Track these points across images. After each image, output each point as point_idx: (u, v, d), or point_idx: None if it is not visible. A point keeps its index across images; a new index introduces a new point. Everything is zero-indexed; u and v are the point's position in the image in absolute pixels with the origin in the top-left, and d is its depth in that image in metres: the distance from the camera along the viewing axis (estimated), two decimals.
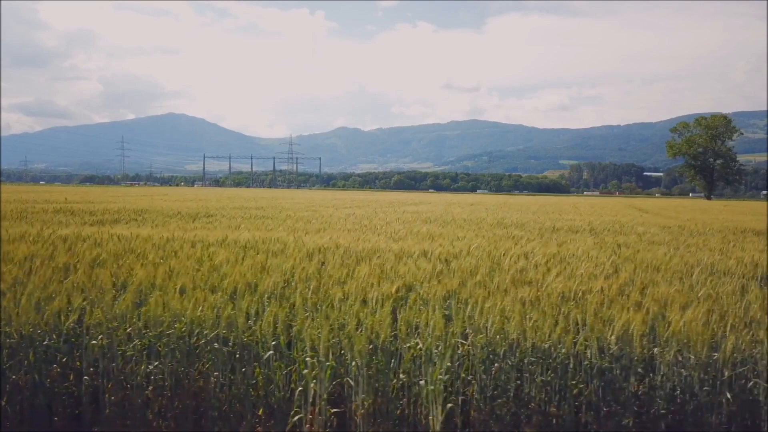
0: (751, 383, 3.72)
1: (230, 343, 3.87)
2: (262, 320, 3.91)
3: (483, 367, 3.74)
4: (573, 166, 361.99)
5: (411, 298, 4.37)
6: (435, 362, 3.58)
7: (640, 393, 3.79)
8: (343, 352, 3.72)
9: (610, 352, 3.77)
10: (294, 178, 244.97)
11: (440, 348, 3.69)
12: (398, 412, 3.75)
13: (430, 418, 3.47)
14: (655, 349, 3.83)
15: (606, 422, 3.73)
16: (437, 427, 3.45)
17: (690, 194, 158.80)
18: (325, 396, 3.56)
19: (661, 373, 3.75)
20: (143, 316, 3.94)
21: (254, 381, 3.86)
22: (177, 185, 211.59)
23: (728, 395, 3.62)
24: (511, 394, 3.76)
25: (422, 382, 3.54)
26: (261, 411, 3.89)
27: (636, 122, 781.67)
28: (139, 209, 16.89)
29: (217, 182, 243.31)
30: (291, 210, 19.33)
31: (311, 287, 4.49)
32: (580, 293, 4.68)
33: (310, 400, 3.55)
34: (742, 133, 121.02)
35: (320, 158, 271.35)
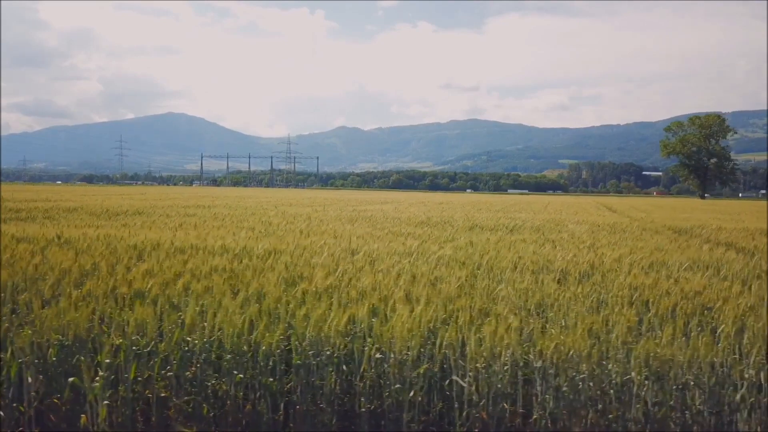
0: (447, 381, 3.66)
1: None
2: None
3: (178, 364, 3.68)
4: (572, 165, 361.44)
5: (151, 295, 4.31)
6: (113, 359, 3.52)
7: (338, 390, 3.73)
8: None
9: (307, 348, 3.70)
10: (292, 177, 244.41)
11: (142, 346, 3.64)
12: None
13: (84, 416, 3.41)
14: (354, 345, 3.77)
15: (305, 420, 3.67)
16: (102, 426, 3.39)
17: (689, 194, 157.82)
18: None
19: (361, 370, 3.69)
20: None
21: None
22: (175, 185, 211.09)
23: (412, 393, 3.56)
24: (209, 393, 3.70)
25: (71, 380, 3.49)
26: None
27: (635, 122, 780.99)
28: (72, 207, 16.84)
29: (215, 182, 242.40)
30: (232, 209, 19.29)
31: (49, 283, 4.43)
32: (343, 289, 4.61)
33: None
34: (735, 132, 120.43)
35: (318, 157, 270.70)
